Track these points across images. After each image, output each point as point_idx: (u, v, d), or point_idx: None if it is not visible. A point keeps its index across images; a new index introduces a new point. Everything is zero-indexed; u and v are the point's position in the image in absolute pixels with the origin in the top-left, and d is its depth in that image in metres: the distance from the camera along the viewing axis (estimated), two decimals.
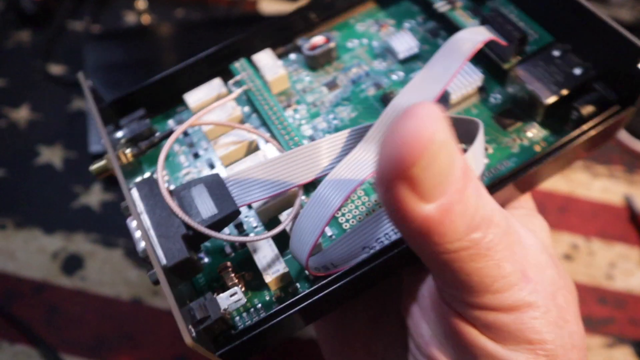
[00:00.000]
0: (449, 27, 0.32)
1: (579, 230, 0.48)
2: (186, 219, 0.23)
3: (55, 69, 0.58)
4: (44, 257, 0.46)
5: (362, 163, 0.25)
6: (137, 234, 0.24)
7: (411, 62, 0.32)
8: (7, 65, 0.58)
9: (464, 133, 0.26)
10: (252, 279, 0.26)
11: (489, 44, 0.30)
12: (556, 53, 0.29)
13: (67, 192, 0.50)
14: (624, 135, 0.51)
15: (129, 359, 0.40)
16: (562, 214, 0.48)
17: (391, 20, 0.34)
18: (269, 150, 0.29)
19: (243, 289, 0.26)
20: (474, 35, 0.27)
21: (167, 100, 0.32)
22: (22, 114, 0.55)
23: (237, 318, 0.25)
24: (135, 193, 0.25)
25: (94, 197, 0.49)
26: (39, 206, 0.49)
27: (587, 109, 0.27)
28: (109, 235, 0.47)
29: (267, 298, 0.25)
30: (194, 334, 0.21)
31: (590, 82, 0.28)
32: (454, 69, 0.26)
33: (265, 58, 0.32)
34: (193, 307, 0.23)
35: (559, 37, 0.30)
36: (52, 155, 0.52)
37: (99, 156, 0.31)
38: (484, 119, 0.29)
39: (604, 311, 0.44)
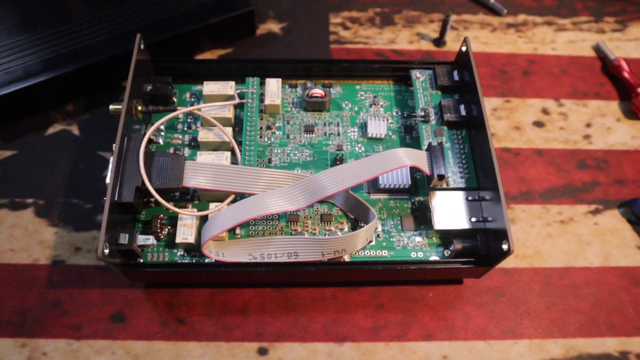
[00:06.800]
0: (415, 134, 0.40)
1: (548, 94, 0.44)
2: (144, 177, 0.33)
3: None
4: None
5: (273, 204, 0.34)
6: (109, 172, 0.34)
7: (374, 142, 0.40)
8: None
9: (362, 215, 0.35)
10: (172, 234, 0.36)
11: None
12: (469, 198, 0.37)
13: None
14: None
15: (61, 329, 0.36)
16: (527, 77, 0.43)
17: (386, 102, 0.42)
18: (230, 155, 0.38)
19: (162, 237, 0.36)
20: (407, 157, 0.35)
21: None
22: None
23: (149, 255, 0.35)
24: (125, 141, 0.34)
25: None
26: None
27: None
28: (15, 197, 0.41)
29: (175, 252, 0.36)
30: (107, 251, 0.31)
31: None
32: (380, 172, 0.35)
33: (273, 84, 0.40)
34: (120, 234, 0.33)
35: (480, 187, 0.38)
36: None
37: None
38: (397, 213, 0.37)
39: (585, 175, 0.42)
